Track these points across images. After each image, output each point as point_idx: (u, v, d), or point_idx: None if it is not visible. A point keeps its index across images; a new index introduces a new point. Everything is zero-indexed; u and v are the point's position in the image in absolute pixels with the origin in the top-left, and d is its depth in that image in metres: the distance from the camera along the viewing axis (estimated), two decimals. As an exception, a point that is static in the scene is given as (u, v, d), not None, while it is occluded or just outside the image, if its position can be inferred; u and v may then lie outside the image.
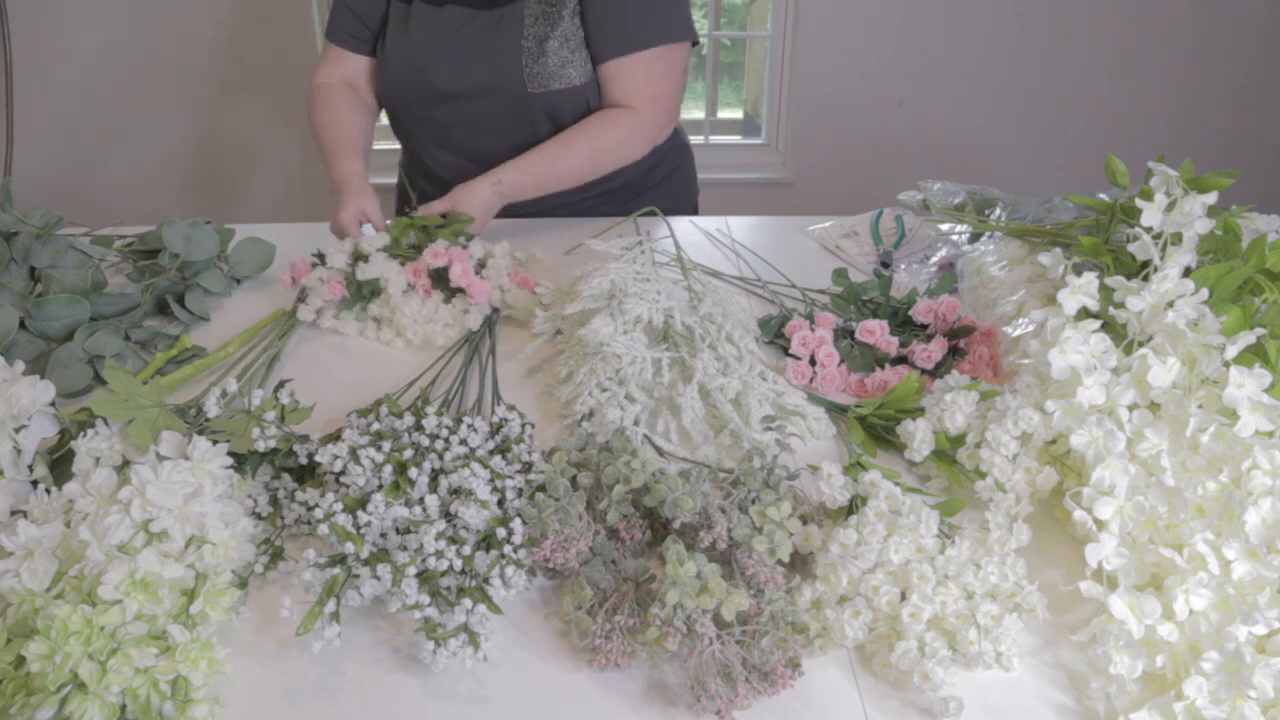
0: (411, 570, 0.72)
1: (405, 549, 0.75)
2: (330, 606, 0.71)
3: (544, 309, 1.13)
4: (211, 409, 0.86)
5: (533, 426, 0.91)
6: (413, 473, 0.79)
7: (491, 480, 0.80)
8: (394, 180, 1.69)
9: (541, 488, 0.81)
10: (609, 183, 1.49)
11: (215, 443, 0.79)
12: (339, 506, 0.76)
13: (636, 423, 0.92)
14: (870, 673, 0.72)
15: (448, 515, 0.78)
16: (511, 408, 0.92)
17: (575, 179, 1.41)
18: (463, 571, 0.74)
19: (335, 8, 1.47)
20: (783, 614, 0.70)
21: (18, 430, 0.83)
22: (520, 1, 1.36)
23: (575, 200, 1.49)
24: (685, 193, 1.65)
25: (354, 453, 0.80)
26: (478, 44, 1.38)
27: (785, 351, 1.08)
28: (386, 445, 0.82)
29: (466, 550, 0.74)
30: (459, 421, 0.87)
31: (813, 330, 1.06)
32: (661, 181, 1.57)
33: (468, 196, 1.29)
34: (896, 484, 0.80)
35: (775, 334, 1.11)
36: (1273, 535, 0.72)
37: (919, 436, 0.88)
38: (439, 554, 0.73)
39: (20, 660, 0.66)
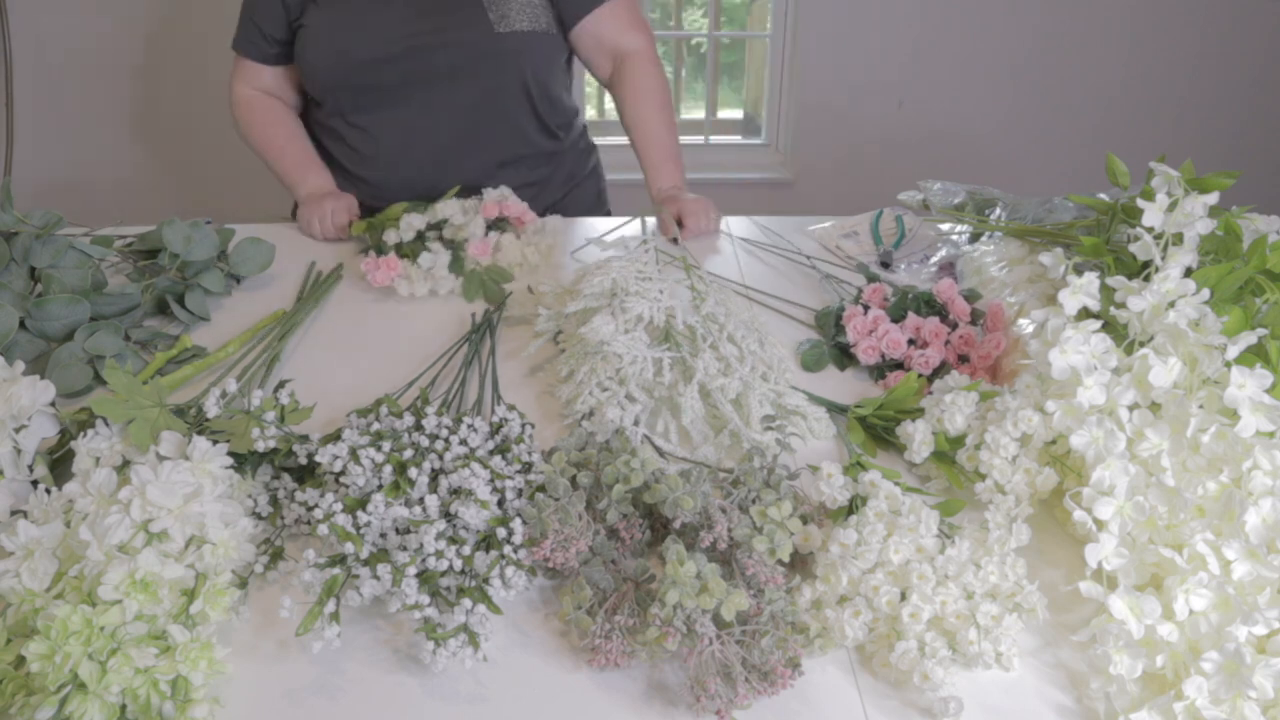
0: (411, 570, 0.72)
1: (405, 549, 0.75)
2: (330, 606, 0.71)
3: (546, 308, 1.13)
4: (211, 409, 0.86)
5: (533, 426, 0.91)
6: (413, 473, 0.79)
7: (491, 480, 0.80)
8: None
9: (541, 488, 0.81)
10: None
11: (215, 443, 0.79)
12: (339, 506, 0.76)
13: (636, 422, 0.92)
14: (870, 673, 0.72)
15: (448, 515, 0.78)
16: (511, 408, 0.92)
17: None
18: (463, 571, 0.74)
19: (241, 20, 1.50)
20: (783, 614, 0.70)
21: (18, 430, 0.83)
22: None
23: None
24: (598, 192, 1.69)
25: (354, 453, 0.80)
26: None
27: (844, 351, 1.08)
28: (386, 445, 0.82)
29: (466, 550, 0.74)
30: (459, 421, 0.87)
31: (866, 313, 1.06)
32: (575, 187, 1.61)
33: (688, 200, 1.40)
34: (896, 484, 0.80)
35: (835, 328, 1.10)
36: (1273, 535, 0.72)
37: (918, 438, 0.88)
38: (439, 554, 0.73)
39: (20, 660, 0.66)
